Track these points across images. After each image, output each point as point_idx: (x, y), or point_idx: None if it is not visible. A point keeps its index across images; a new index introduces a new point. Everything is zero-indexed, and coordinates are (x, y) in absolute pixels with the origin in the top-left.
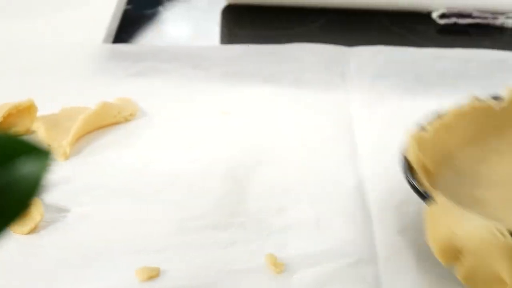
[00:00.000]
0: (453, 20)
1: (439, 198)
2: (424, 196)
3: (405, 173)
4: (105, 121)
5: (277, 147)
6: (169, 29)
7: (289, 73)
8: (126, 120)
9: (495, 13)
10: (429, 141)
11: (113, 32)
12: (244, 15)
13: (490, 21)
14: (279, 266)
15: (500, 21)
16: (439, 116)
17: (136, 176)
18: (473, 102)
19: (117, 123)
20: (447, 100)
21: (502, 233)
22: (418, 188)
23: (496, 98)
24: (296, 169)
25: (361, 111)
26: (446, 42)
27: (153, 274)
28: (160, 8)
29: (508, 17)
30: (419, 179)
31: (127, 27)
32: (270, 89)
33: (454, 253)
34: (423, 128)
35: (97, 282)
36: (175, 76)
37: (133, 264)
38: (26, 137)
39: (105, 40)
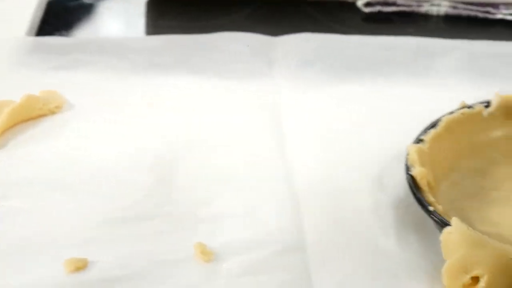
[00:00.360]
0: (377, 8)
1: (456, 223)
2: (438, 221)
3: (414, 192)
4: (31, 114)
5: (204, 137)
6: (93, 21)
7: (215, 63)
8: (52, 112)
9: (420, 1)
10: (427, 155)
11: (36, 25)
12: (169, 6)
13: (415, 9)
14: (208, 255)
15: (424, 8)
16: (433, 126)
17: (63, 168)
18: (463, 109)
19: (43, 115)
20: (375, 87)
21: None
22: (433, 214)
23: (483, 103)
24: (223, 158)
25: (288, 99)
26: (371, 30)
27: (81, 265)
28: (85, 0)
29: (432, 5)
30: (427, 198)
31: (51, 19)
32: (196, 79)
33: (463, 276)
34: (420, 141)
35: (24, 275)
36: (101, 68)
37: (60, 256)
38: None
39: (28, 33)
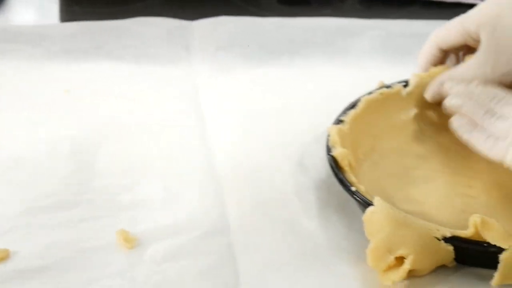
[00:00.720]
0: None
1: (379, 202)
2: (360, 201)
3: (336, 173)
4: None
5: (122, 123)
6: (6, 8)
7: (131, 48)
8: None
9: None
10: (347, 135)
11: None
12: None
13: None
14: (131, 242)
15: None
16: (353, 107)
17: None
18: (381, 89)
19: None
20: (293, 69)
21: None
22: (356, 194)
23: (401, 83)
24: (143, 144)
25: (207, 83)
26: (287, 12)
27: (3, 256)
28: None
29: None
30: (349, 178)
31: None
32: (113, 65)
33: (387, 257)
34: (340, 122)
35: None
36: (16, 56)
37: None
38: None
39: None
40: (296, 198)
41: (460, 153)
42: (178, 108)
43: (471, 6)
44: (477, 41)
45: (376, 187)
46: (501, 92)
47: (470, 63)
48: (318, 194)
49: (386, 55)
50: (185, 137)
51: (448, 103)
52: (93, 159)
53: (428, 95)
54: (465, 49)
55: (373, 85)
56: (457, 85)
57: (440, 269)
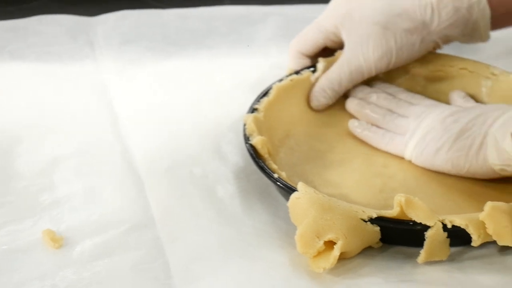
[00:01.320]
0: None
1: (302, 187)
2: (284, 187)
3: (256, 161)
4: None
5: (36, 123)
6: None
7: (34, 47)
8: None
9: None
10: (263, 123)
11: None
12: None
13: None
14: (58, 241)
15: None
16: (265, 94)
17: None
18: (291, 76)
19: None
20: (200, 60)
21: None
22: (279, 181)
23: (309, 68)
24: (56, 143)
25: (115, 78)
26: (188, 3)
27: None
28: None
29: None
30: (269, 165)
31: None
32: (16, 66)
33: (316, 242)
34: (254, 110)
35: None
36: None
37: None
38: None
39: None
40: (217, 189)
41: None
42: (88, 105)
43: None
44: (336, 41)
45: (295, 173)
46: (399, 94)
47: (343, 60)
48: (239, 183)
49: (288, 42)
50: (99, 134)
51: (348, 107)
52: (9, 160)
53: (314, 104)
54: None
55: (279, 72)
56: (357, 91)
57: (367, 250)
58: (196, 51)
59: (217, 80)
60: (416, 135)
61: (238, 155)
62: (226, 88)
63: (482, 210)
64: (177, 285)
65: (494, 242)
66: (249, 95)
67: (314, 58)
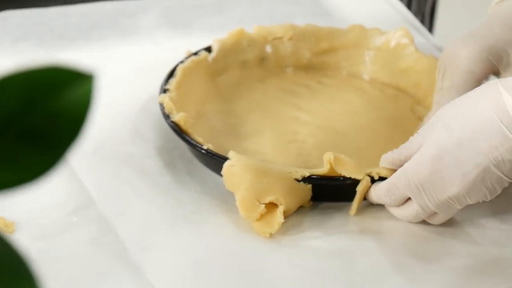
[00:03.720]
0: None
1: (234, 155)
2: (216, 157)
3: (182, 136)
4: None
5: None
6: None
7: None
8: None
9: None
10: (177, 102)
11: None
12: None
13: None
14: (10, 226)
15: None
16: (171, 75)
17: None
18: (190, 57)
19: None
20: (91, 52)
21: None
22: (210, 152)
23: (207, 49)
24: None
25: None
26: (62, 4)
27: None
28: None
29: None
30: (196, 139)
31: None
32: None
33: (258, 206)
34: (166, 91)
35: None
36: None
37: None
38: (67, 64)
39: None
40: (145, 165)
41: (274, 107)
42: None
43: None
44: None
45: (214, 147)
46: None
47: None
48: (163, 159)
49: (173, 27)
50: None
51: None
52: None
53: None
54: None
55: (173, 55)
56: None
57: (298, 209)
58: (85, 43)
59: (113, 68)
60: None
61: (155, 134)
62: (124, 75)
63: None
64: (134, 254)
65: None
66: (151, 80)
67: None
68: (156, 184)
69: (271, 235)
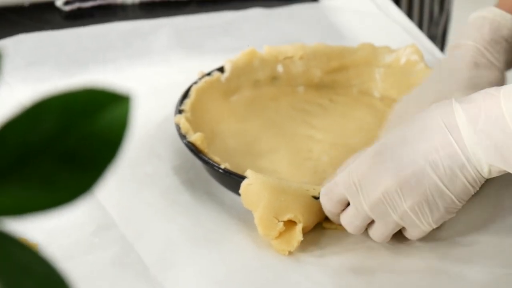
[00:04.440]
0: (76, 5)
1: (251, 173)
2: (234, 176)
3: (199, 156)
4: None
5: None
6: None
7: None
8: None
9: None
10: (192, 122)
11: None
12: None
13: (111, 1)
14: (33, 247)
15: (120, 0)
16: (186, 96)
17: None
18: (204, 77)
19: None
20: (106, 74)
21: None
22: (227, 171)
23: (219, 69)
24: None
25: (30, 98)
26: (73, 24)
27: None
28: None
29: None
30: (213, 159)
31: None
32: None
33: (276, 224)
34: (181, 111)
35: None
36: None
37: None
38: (103, 86)
39: None
40: (162, 185)
41: (288, 125)
42: None
43: None
44: None
45: (230, 166)
46: None
47: None
48: (180, 179)
49: (184, 48)
50: None
51: None
52: None
53: None
54: None
55: (185, 76)
56: None
57: (316, 226)
58: (99, 66)
59: (127, 89)
60: None
61: (171, 154)
62: (138, 96)
63: None
64: (156, 274)
65: None
66: (165, 101)
67: None
68: (175, 203)
69: (290, 253)
